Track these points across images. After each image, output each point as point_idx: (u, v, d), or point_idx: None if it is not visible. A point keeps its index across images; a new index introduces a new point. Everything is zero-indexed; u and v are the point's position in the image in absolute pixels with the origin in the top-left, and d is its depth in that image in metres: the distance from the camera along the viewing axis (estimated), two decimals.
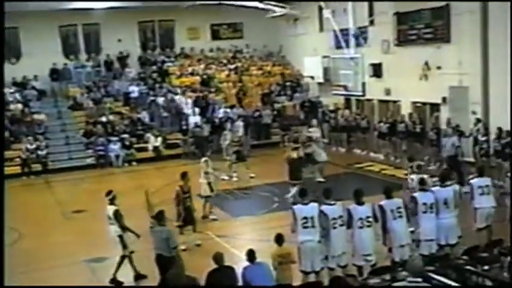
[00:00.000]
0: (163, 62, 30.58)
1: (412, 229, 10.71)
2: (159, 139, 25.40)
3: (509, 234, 10.36)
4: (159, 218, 10.64)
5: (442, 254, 10.38)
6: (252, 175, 20.20)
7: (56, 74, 28.24)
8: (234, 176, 20.24)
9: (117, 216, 11.63)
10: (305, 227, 9.96)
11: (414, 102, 22.74)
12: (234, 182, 19.93)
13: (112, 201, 11.85)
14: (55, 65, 28.17)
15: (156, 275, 10.48)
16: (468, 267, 8.83)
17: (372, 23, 24.73)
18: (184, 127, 26.31)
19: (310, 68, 28.79)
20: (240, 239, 14.05)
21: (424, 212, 10.64)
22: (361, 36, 25.05)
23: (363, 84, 24.57)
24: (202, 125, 25.95)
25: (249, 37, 32.36)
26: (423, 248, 10.58)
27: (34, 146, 23.70)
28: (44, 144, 24.26)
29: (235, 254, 12.04)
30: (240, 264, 9.34)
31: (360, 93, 24.97)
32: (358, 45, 25.15)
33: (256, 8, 28.13)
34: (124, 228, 11.67)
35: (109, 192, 11.95)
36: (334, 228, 10.02)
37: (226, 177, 20.15)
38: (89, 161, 24.44)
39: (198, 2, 27.47)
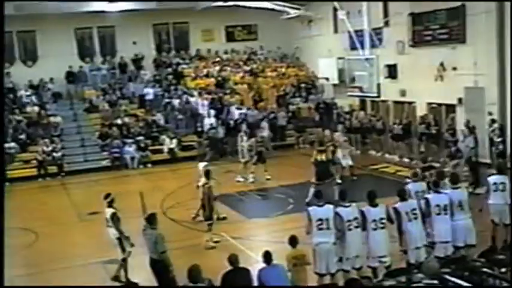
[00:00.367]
0: (178, 64, 30.65)
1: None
2: (174, 141, 25.47)
3: None
4: (151, 221, 10.47)
5: (458, 256, 10.31)
6: (268, 177, 20.19)
7: (71, 77, 28.41)
8: (251, 177, 20.21)
9: (114, 219, 11.63)
10: (320, 229, 9.93)
11: (429, 103, 22.63)
12: (250, 183, 19.92)
13: (110, 204, 11.84)
14: (71, 67, 28.36)
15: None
16: (485, 269, 8.75)
17: (386, 24, 24.64)
18: (199, 129, 26.39)
19: (325, 69, 28.75)
20: (255, 240, 14.05)
21: (438, 214, 10.55)
22: (376, 37, 24.98)
23: (378, 85, 24.51)
24: (217, 127, 26.02)
25: (264, 39, 32.38)
26: (438, 250, 10.50)
27: (50, 148, 23.86)
28: (60, 146, 24.43)
29: (250, 256, 12.05)
30: (255, 265, 9.34)
31: (375, 95, 24.91)
32: (373, 46, 25.08)
33: (271, 9, 28.13)
34: (120, 231, 11.66)
35: (107, 195, 11.94)
36: (349, 230, 9.98)
37: (241, 179, 20.16)
38: (104, 163, 24.54)
39: (212, 4, 27.53)
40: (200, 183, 14.39)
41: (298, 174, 19.20)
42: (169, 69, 30.25)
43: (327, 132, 20.85)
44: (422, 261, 9.66)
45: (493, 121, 18.80)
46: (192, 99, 27.75)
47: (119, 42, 30.09)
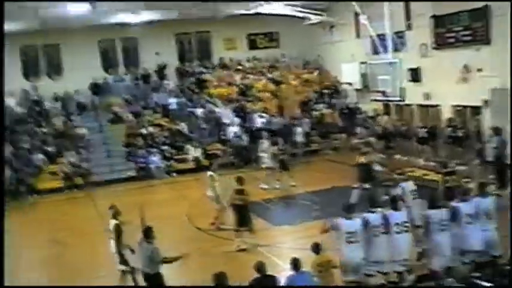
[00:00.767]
0: (201, 73, 30.80)
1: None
2: (199, 150, 25.57)
3: None
4: (147, 234, 10.23)
5: (487, 260, 10.12)
6: (293, 183, 20.14)
7: (96, 88, 28.70)
8: (277, 184, 20.18)
9: (114, 231, 11.52)
10: (349, 242, 9.74)
11: (454, 106, 22.41)
12: (274, 190, 19.87)
13: (114, 216, 11.75)
14: (95, 79, 28.68)
15: None
16: None
17: (409, 27, 24.49)
18: (223, 137, 26.44)
19: (348, 74, 28.70)
20: (281, 247, 13.99)
21: (469, 223, 10.23)
22: (399, 40, 24.83)
23: (402, 89, 24.35)
24: (241, 135, 26.05)
25: (285, 46, 32.42)
26: (466, 256, 10.24)
27: (76, 159, 24.10)
28: (86, 157, 24.68)
29: (277, 263, 12.00)
30: (282, 273, 9.30)
31: (399, 99, 24.74)
32: (395, 50, 24.94)
33: (292, 16, 28.14)
34: (119, 244, 11.51)
35: (111, 207, 11.89)
36: (376, 236, 9.90)
37: (265, 186, 20.13)
38: (130, 173, 24.71)
39: (234, 12, 27.64)
40: (208, 193, 15.65)
41: (323, 180, 19.12)
42: (192, 79, 30.39)
43: (372, 139, 20.77)
44: (451, 266, 9.52)
45: None
46: (217, 109, 27.84)
47: (142, 53, 30.38)
